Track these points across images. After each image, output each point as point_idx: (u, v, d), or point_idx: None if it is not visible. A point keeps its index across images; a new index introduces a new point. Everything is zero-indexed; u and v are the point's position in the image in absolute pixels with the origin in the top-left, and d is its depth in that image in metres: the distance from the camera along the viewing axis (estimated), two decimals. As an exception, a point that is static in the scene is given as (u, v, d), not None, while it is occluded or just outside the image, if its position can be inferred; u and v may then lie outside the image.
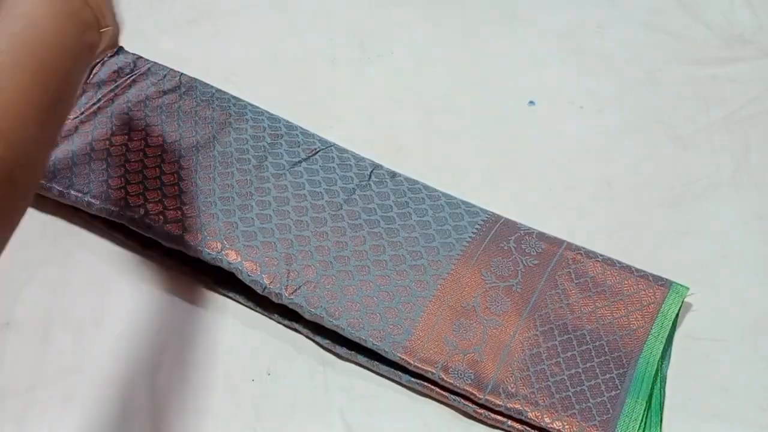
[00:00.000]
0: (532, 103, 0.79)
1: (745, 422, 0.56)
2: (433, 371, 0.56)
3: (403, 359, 0.56)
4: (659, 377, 0.57)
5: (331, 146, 0.70)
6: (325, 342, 0.60)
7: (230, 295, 0.62)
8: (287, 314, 0.60)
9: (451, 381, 0.56)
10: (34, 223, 0.68)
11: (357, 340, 0.58)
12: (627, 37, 0.85)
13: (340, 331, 0.58)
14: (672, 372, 0.58)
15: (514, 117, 0.77)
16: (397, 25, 0.86)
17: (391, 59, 0.83)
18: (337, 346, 0.59)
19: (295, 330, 0.61)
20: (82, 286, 0.63)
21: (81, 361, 0.59)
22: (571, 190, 0.71)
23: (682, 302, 0.61)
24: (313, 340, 0.60)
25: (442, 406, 0.57)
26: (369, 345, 0.57)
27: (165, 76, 0.72)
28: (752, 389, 0.58)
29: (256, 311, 0.62)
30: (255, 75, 0.79)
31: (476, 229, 0.64)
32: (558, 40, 0.85)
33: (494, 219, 0.66)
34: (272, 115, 0.72)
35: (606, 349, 0.58)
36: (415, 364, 0.56)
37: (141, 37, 0.79)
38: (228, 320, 0.61)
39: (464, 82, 0.81)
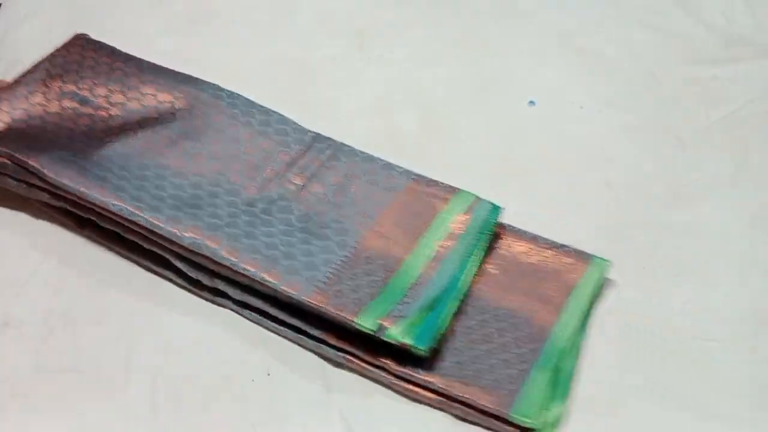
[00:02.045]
0: (532, 103, 0.79)
1: (744, 422, 0.56)
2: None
3: (313, 303, 0.56)
4: (573, 349, 0.58)
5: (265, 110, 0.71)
6: (253, 316, 0.61)
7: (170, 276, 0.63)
8: (217, 293, 0.62)
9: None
10: (34, 223, 0.68)
11: (266, 285, 0.58)
12: (627, 37, 0.85)
13: (248, 273, 0.58)
14: (671, 372, 0.59)
15: (514, 117, 0.77)
16: (397, 25, 0.86)
17: (391, 59, 0.83)
18: (265, 320, 0.60)
19: (224, 306, 0.62)
20: (82, 286, 0.63)
21: (81, 361, 0.59)
22: (571, 190, 0.71)
23: (603, 277, 0.62)
24: (242, 315, 0.61)
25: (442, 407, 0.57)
26: (279, 290, 0.57)
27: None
28: (751, 389, 0.58)
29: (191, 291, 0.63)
30: (255, 75, 0.79)
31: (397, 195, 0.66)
32: (558, 40, 0.85)
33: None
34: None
35: (522, 325, 0.59)
36: (329, 309, 0.56)
37: (141, 37, 0.80)
38: (228, 320, 0.61)
39: (464, 82, 0.81)
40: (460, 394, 0.55)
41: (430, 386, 0.56)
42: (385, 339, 0.55)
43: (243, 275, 0.59)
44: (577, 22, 0.87)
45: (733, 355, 0.60)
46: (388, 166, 0.68)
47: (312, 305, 0.57)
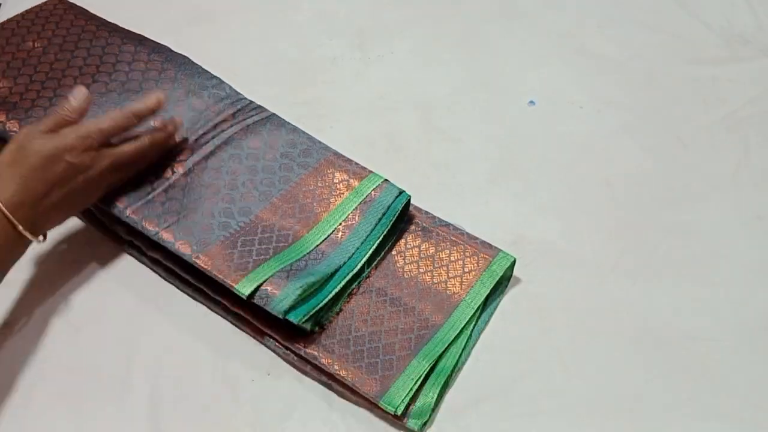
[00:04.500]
0: (532, 103, 0.79)
1: (744, 422, 0.56)
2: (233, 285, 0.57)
3: (199, 264, 0.58)
4: (465, 339, 0.59)
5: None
6: (164, 275, 0.63)
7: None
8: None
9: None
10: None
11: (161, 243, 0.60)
12: (627, 37, 0.85)
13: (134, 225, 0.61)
14: (671, 372, 0.59)
15: (514, 117, 0.78)
16: (397, 25, 0.86)
17: (391, 59, 0.83)
18: (174, 280, 0.63)
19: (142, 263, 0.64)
20: (83, 287, 0.63)
21: (81, 361, 0.59)
22: (571, 190, 0.71)
23: (509, 270, 0.63)
24: (156, 272, 0.64)
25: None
26: (173, 249, 0.59)
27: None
28: (751, 389, 0.58)
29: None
30: (255, 75, 0.79)
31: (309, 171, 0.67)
32: (558, 40, 0.85)
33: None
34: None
35: (415, 312, 0.60)
36: (212, 271, 0.58)
37: (141, 37, 0.79)
38: (228, 320, 0.61)
39: (464, 82, 0.81)
40: (339, 372, 0.56)
41: (312, 360, 0.57)
42: (256, 303, 0.56)
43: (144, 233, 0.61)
44: (577, 22, 0.87)
45: (733, 355, 0.60)
46: (309, 141, 0.69)
47: (198, 266, 0.59)
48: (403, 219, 0.66)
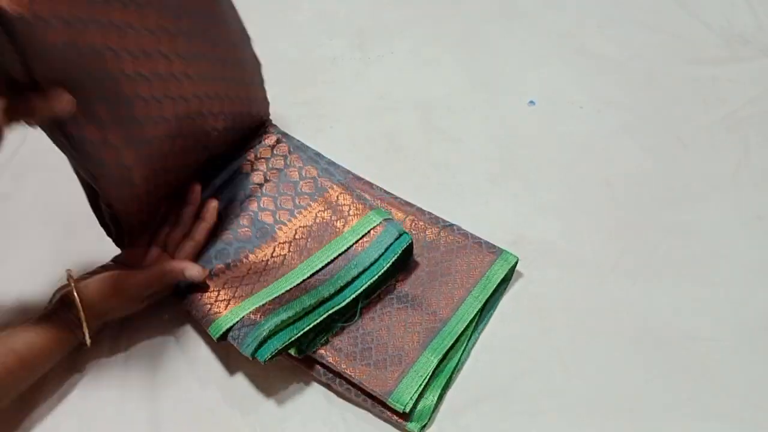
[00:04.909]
0: (532, 103, 0.79)
1: (744, 422, 0.56)
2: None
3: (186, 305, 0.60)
4: (467, 339, 0.59)
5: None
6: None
7: None
8: None
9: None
10: (34, 224, 0.68)
11: None
12: (627, 37, 0.85)
13: None
14: (671, 372, 0.59)
15: (514, 117, 0.78)
16: (397, 25, 0.86)
17: (391, 59, 0.83)
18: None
19: None
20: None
21: (81, 361, 0.59)
22: (571, 190, 0.71)
23: (511, 270, 0.63)
24: None
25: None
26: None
27: None
28: (751, 389, 0.58)
29: None
30: (255, 75, 0.79)
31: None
32: (558, 40, 0.85)
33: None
34: None
35: (422, 307, 0.61)
36: (192, 308, 0.59)
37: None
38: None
39: (464, 82, 0.81)
40: (346, 370, 0.56)
41: (319, 359, 0.57)
42: (229, 342, 0.56)
43: None
44: (577, 22, 0.87)
45: (733, 355, 0.60)
46: (316, 171, 0.68)
47: (183, 306, 0.60)
48: (407, 260, 0.64)
